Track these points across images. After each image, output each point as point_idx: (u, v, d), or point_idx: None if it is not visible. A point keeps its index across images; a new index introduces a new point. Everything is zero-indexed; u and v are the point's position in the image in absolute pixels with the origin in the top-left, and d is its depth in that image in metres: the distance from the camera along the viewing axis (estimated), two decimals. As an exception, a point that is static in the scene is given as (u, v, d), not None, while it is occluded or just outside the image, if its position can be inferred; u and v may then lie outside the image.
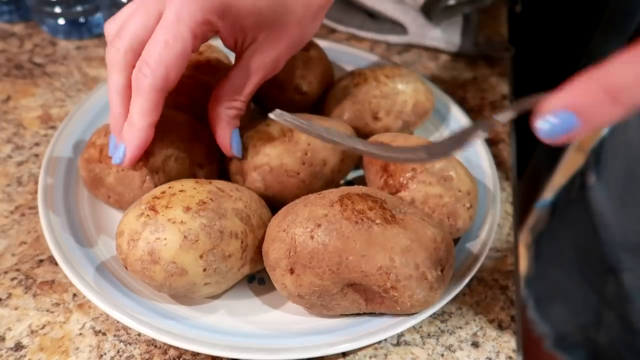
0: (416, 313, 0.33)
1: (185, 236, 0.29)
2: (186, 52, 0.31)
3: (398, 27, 0.61)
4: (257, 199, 0.35)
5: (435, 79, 0.59)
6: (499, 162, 0.49)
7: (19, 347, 0.33)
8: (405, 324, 0.32)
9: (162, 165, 0.36)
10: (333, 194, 0.33)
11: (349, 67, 0.52)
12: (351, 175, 0.45)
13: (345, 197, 0.32)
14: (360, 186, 0.35)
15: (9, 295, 0.35)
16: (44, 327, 0.34)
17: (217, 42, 0.51)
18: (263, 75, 0.36)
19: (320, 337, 0.32)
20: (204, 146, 0.38)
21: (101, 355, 0.33)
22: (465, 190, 0.37)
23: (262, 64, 0.35)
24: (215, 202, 0.31)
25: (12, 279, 0.36)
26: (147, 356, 0.33)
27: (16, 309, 0.35)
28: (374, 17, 0.62)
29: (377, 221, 0.31)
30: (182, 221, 0.29)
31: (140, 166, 0.35)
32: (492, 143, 0.51)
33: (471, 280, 0.39)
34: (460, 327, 0.36)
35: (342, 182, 0.44)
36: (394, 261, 0.30)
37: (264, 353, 0.31)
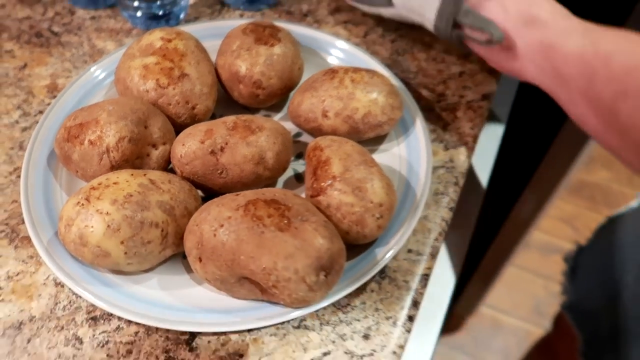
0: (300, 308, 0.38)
1: (108, 225, 0.36)
2: None
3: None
4: (187, 190, 0.40)
5: (420, 71, 0.60)
6: (452, 167, 0.51)
7: (-3, 288, 0.42)
8: (290, 314, 0.38)
9: (116, 145, 0.41)
10: (244, 197, 0.38)
11: (333, 60, 0.57)
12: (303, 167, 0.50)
13: (251, 202, 0.37)
14: (278, 190, 0.39)
15: (-4, 245, 0.44)
16: (18, 274, 0.43)
17: (186, 28, 0.56)
18: None
19: (229, 315, 0.38)
20: (157, 129, 0.43)
21: (56, 303, 0.41)
22: (377, 202, 0.40)
23: None
24: (141, 195, 0.37)
25: (0, 231, 0.45)
26: (91, 308, 0.41)
27: (0, 256, 0.44)
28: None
29: (271, 228, 0.35)
30: (107, 212, 0.36)
31: (97, 146, 0.41)
32: (453, 146, 0.53)
33: (383, 278, 0.43)
34: (358, 320, 0.41)
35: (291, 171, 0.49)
36: (276, 264, 0.35)
37: (175, 324, 0.37)
